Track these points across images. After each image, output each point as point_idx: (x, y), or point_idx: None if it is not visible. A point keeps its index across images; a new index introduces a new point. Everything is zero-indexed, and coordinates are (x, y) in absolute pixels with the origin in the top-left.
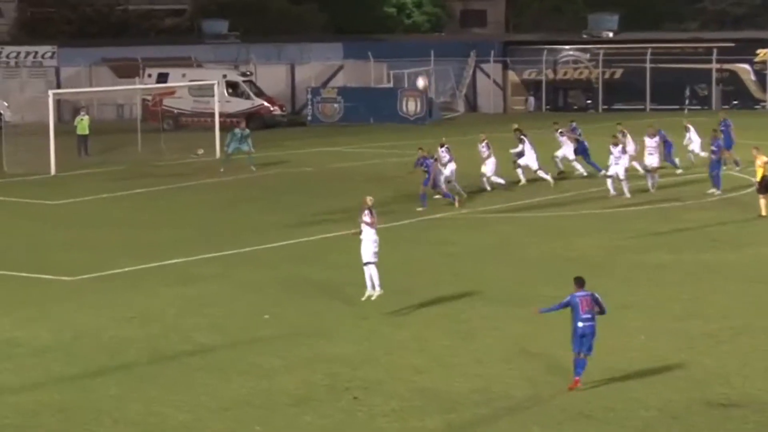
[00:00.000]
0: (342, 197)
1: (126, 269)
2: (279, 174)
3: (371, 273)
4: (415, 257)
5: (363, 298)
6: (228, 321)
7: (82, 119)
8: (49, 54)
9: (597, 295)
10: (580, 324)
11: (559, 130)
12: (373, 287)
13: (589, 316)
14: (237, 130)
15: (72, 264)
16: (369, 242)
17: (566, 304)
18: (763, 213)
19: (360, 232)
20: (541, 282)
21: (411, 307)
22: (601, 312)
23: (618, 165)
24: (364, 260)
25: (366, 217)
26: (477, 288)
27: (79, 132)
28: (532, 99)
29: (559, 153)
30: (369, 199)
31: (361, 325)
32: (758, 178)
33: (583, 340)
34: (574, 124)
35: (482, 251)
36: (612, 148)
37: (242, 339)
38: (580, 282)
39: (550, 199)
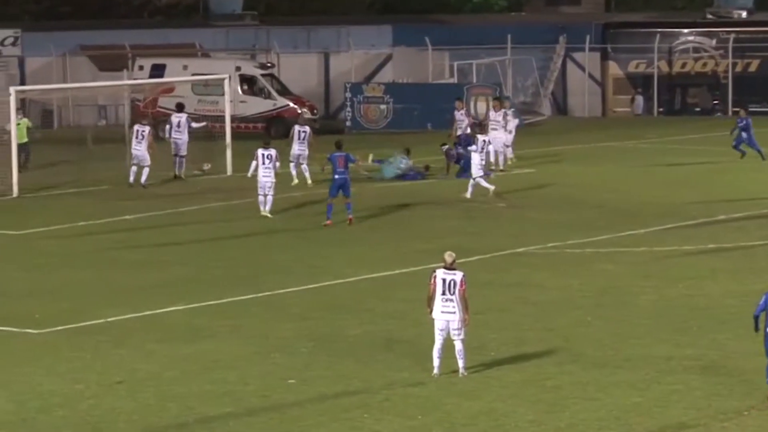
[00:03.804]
0: (392, 228)
1: (109, 320)
2: (306, 197)
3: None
4: (491, 305)
5: (433, 374)
6: (241, 387)
7: (19, 123)
8: (11, 40)
9: None
10: None
11: None
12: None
13: None
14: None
15: (39, 313)
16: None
17: None
18: None
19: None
20: (654, 339)
21: (483, 370)
22: None
23: None
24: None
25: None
26: (569, 346)
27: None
28: (640, 99)
29: None
30: (449, 256)
31: (415, 393)
32: None
33: None
34: None
35: (577, 298)
36: None
37: (260, 410)
38: None
39: (668, 230)
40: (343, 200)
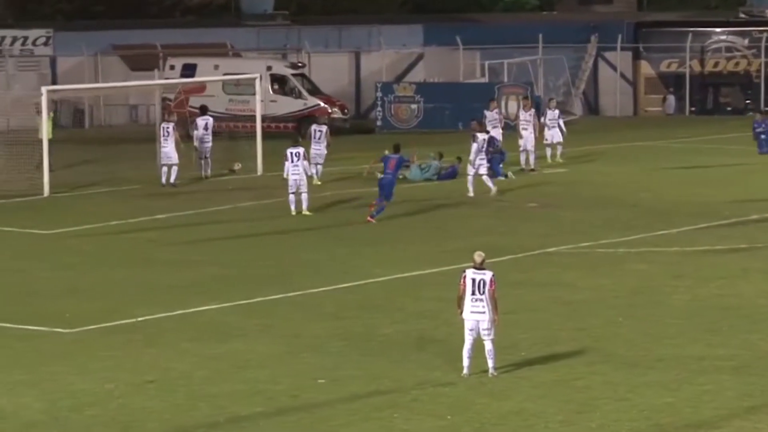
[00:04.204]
0: (423, 227)
1: (141, 319)
2: (335, 196)
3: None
4: (522, 304)
5: (462, 374)
6: (273, 387)
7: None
8: (43, 40)
9: None
10: None
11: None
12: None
13: None
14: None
15: (71, 313)
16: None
17: None
18: None
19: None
20: (686, 339)
21: (513, 370)
22: None
23: None
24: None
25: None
26: (601, 346)
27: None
28: (672, 98)
29: None
30: (478, 256)
31: (445, 393)
32: None
33: None
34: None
35: (609, 298)
36: None
37: (290, 409)
38: None
39: (700, 230)
40: (379, 199)
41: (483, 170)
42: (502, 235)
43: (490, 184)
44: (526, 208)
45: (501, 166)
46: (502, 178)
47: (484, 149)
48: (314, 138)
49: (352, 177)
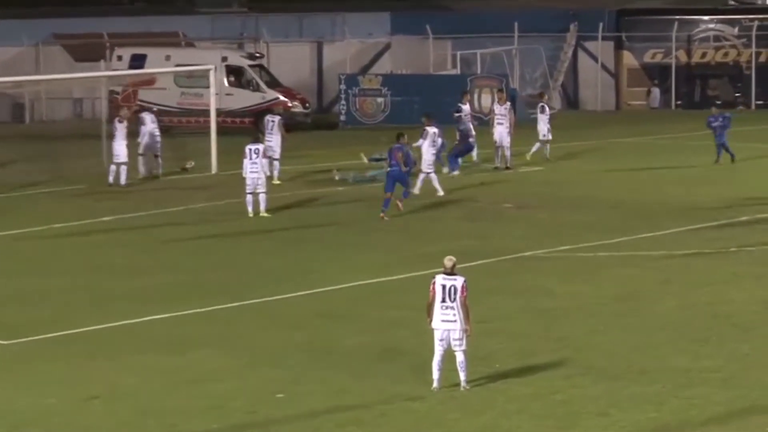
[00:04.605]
0: (390, 230)
1: (85, 329)
2: (295, 197)
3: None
4: (497, 313)
5: (432, 387)
6: (228, 402)
7: None
8: None
9: None
10: None
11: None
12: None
13: None
14: None
15: (11, 321)
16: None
17: None
18: None
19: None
20: (673, 349)
21: (486, 383)
22: None
23: None
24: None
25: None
26: (581, 357)
27: None
28: (657, 91)
29: None
30: (448, 260)
31: (414, 408)
32: None
33: None
34: None
35: (590, 305)
36: None
37: (247, 426)
38: None
39: (688, 232)
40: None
41: (430, 168)
42: (475, 238)
43: (436, 184)
44: (501, 209)
45: (460, 160)
46: (453, 172)
47: (436, 144)
48: (267, 129)
49: (314, 176)
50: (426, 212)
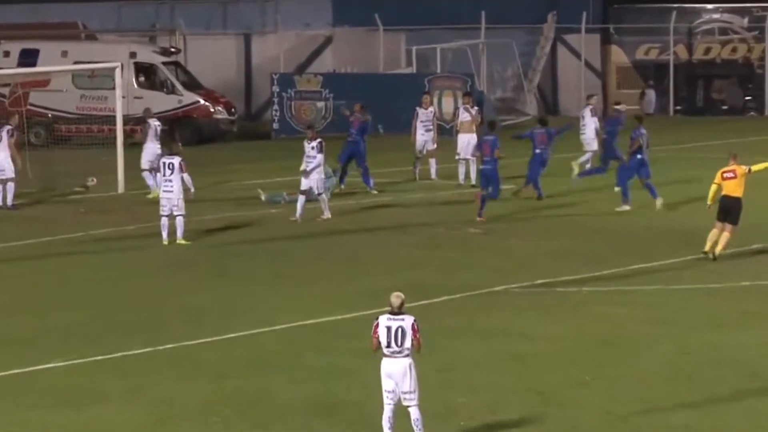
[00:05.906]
0: (336, 260)
1: None
2: (224, 219)
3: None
4: (461, 359)
5: None
6: None
7: None
8: None
9: None
10: None
11: None
12: None
13: None
14: None
15: None
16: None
17: None
18: None
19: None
20: (671, 404)
21: None
22: None
23: None
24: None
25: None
26: (562, 414)
27: None
28: (652, 94)
29: None
30: (396, 297)
31: None
32: None
33: None
34: None
35: (572, 350)
36: None
37: None
38: None
39: (687, 262)
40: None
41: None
42: (435, 269)
43: (323, 205)
44: (466, 235)
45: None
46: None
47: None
48: (154, 135)
49: (240, 194)
50: (376, 238)
